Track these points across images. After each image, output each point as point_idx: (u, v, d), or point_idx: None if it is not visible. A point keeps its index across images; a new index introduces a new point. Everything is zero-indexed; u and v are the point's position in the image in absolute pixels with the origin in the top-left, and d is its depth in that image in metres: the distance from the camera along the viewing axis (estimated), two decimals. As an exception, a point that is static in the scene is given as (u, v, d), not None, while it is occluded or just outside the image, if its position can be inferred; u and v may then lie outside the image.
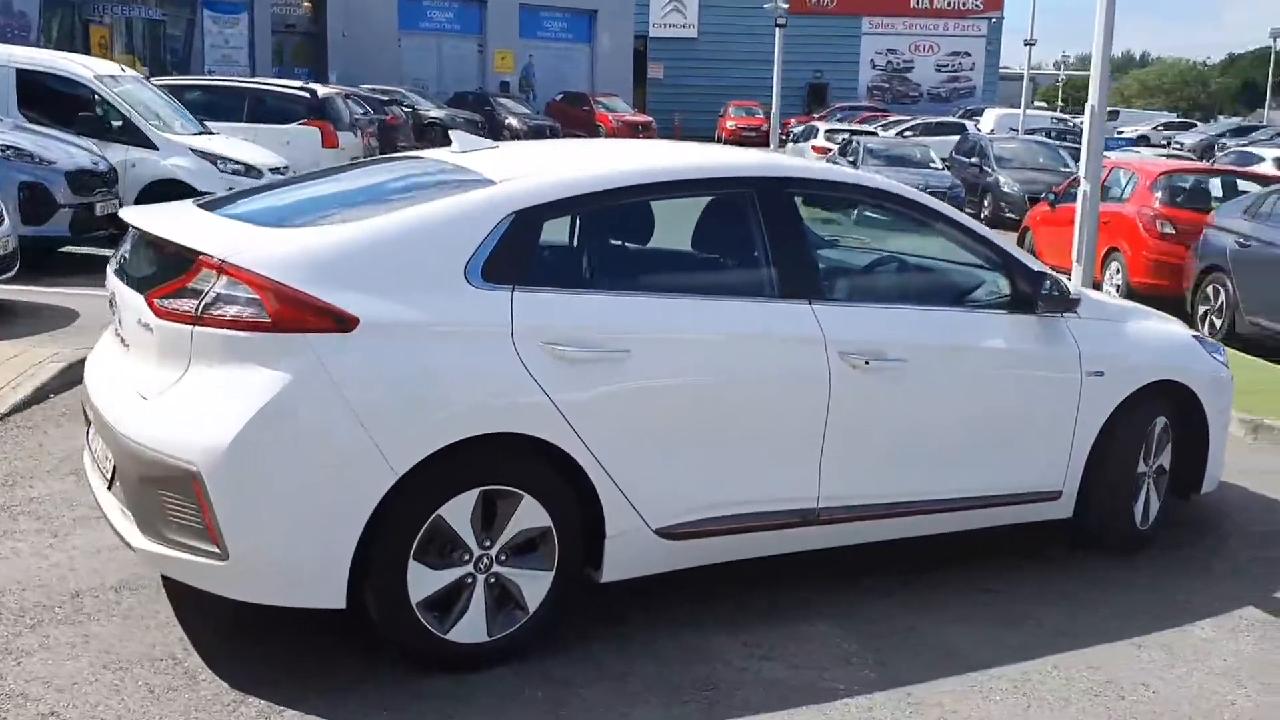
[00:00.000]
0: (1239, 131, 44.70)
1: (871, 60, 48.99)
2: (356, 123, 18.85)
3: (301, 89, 17.85)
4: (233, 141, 13.52)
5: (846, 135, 26.23)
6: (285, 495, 3.42)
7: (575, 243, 3.93)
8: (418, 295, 3.56)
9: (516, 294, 3.68)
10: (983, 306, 4.68)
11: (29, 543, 4.50)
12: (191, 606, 3.96)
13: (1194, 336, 5.49)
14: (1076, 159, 25.80)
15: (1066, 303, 4.67)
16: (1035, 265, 4.77)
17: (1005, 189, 21.71)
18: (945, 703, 3.72)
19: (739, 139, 40.52)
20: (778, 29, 33.60)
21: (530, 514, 3.71)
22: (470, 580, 3.67)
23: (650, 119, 34.51)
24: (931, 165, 22.08)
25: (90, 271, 8.34)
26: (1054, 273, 4.80)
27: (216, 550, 3.40)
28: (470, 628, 3.68)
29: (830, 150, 25.52)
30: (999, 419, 4.64)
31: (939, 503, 4.53)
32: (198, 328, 3.45)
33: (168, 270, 3.64)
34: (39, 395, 6.30)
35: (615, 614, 4.12)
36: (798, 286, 4.20)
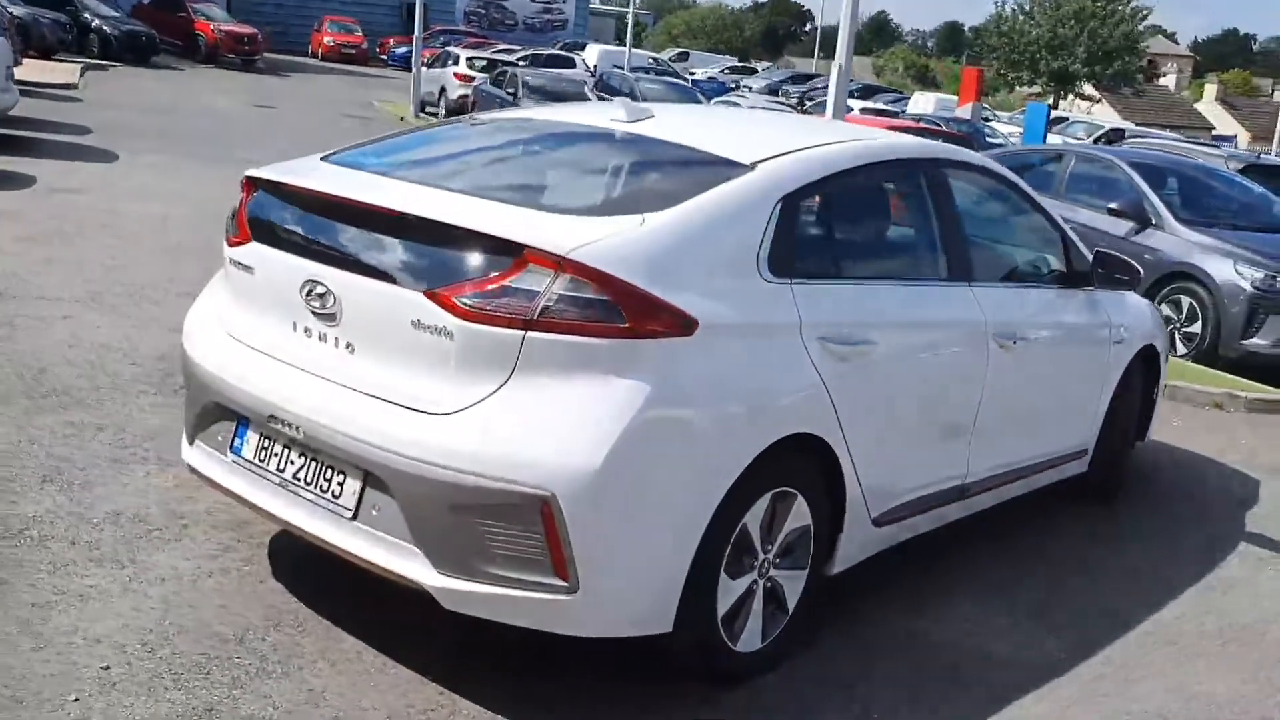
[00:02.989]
0: (797, 79, 48.98)
1: (469, -17, 48.27)
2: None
3: None
4: None
5: (498, 65, 25.81)
6: (639, 517, 3.07)
7: (820, 229, 3.76)
8: (727, 292, 3.28)
9: (795, 287, 3.50)
10: (1052, 282, 5.00)
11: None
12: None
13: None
14: (714, 97, 27.17)
15: (1117, 279, 5.11)
16: (1081, 243, 5.16)
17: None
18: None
19: (339, 55, 38.78)
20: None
21: (799, 514, 3.58)
22: (754, 587, 3.50)
23: (256, 31, 31.99)
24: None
25: None
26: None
27: (563, 584, 2.99)
28: (750, 636, 3.52)
29: (475, 79, 25.14)
30: (1067, 386, 5.04)
31: (1027, 468, 4.85)
32: (531, 333, 2.98)
33: (458, 263, 3.09)
34: None
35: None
36: (961, 269, 4.31)
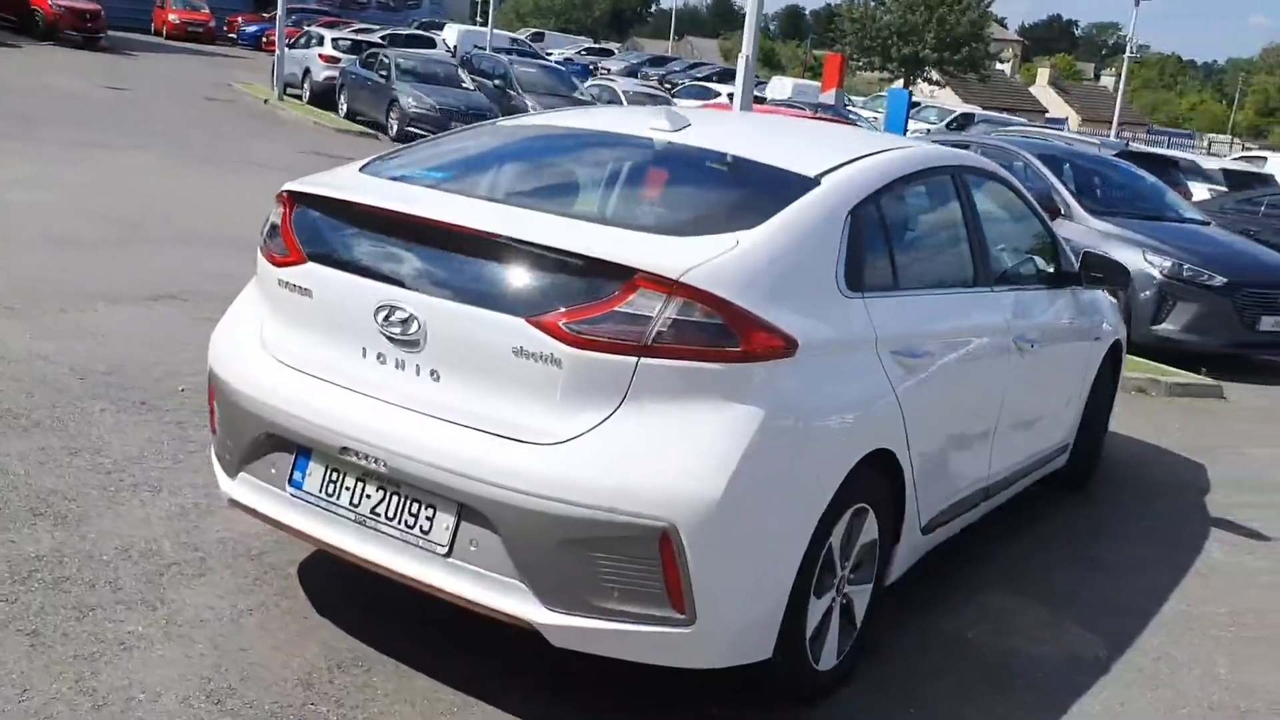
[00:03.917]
0: (655, 61, 49.10)
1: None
2: None
3: None
4: None
5: (365, 46, 25.06)
6: (753, 544, 2.99)
7: (881, 240, 3.71)
8: (815, 309, 3.22)
9: (866, 301, 3.47)
10: (1048, 283, 5.10)
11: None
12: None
13: None
14: (584, 81, 27.05)
15: (1104, 279, 5.25)
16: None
17: (533, 112, 22.28)
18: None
19: (185, 33, 37.18)
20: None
21: (869, 528, 3.57)
22: (832, 605, 3.47)
23: (99, 7, 30.31)
24: (463, 85, 22.01)
25: None
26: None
27: (680, 616, 2.90)
28: (828, 654, 3.49)
29: (340, 59, 24.42)
30: (1062, 384, 5.18)
31: (1030, 466, 4.96)
32: (645, 359, 2.88)
33: (561, 287, 2.95)
34: None
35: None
36: (986, 274, 4.36)
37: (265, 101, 22.92)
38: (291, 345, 3.33)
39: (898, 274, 3.74)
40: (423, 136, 19.92)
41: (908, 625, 4.09)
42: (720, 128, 4.52)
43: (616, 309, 2.88)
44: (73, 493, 4.23)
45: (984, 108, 43.31)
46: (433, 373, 3.06)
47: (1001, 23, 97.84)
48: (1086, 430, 5.57)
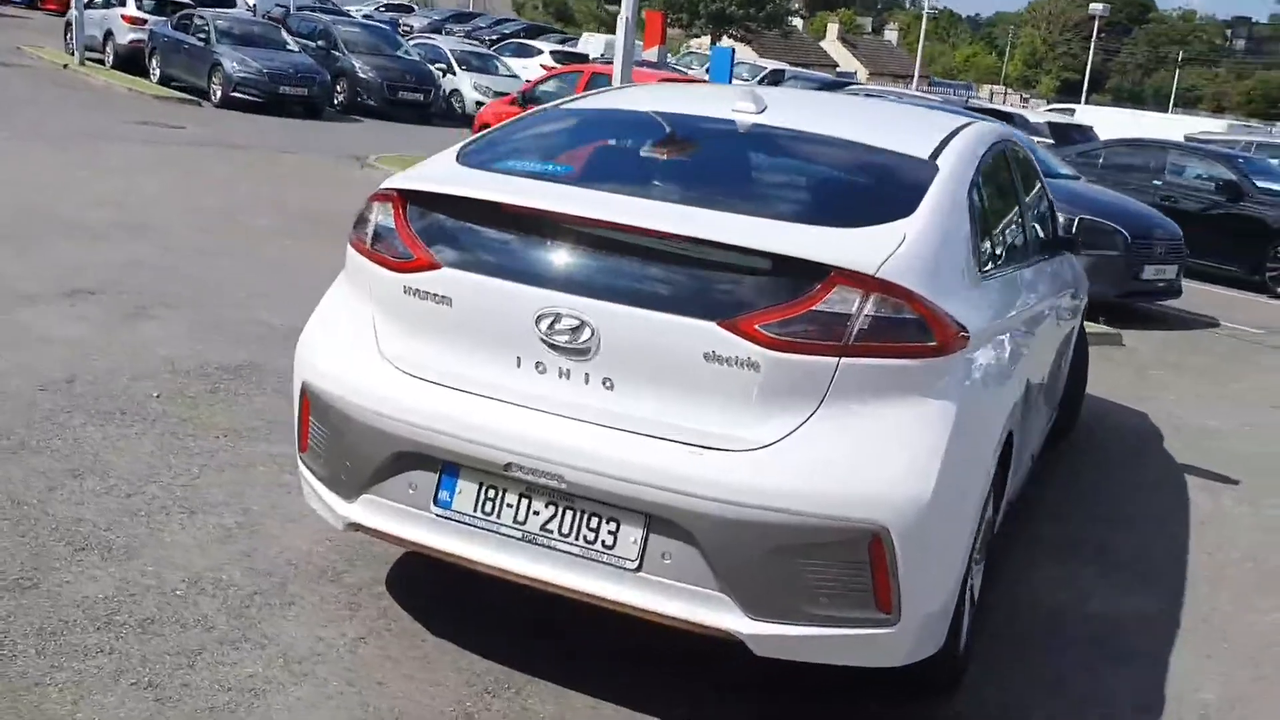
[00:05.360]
0: (460, 17, 48.00)
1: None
2: None
3: None
4: None
5: (176, 7, 23.43)
6: (948, 541, 2.98)
7: (983, 220, 3.67)
8: (967, 296, 3.19)
9: (988, 282, 3.48)
10: (1053, 249, 5.21)
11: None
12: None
13: None
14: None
15: (1094, 244, 5.43)
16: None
17: (362, 75, 21.52)
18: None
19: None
20: None
21: (989, 507, 3.60)
22: (970, 587, 3.49)
23: None
24: (289, 49, 20.98)
25: None
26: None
27: (885, 616, 2.85)
28: (965, 637, 3.51)
29: (146, 21, 22.85)
30: (1065, 348, 5.33)
31: (1046, 427, 5.11)
32: (846, 359, 2.80)
33: (752, 288, 2.82)
34: None
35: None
36: (1035, 247, 4.44)
37: (65, 67, 21.26)
38: (424, 357, 3.09)
39: (995, 254, 3.76)
40: (249, 102, 19.08)
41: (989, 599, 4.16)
42: (797, 108, 4.40)
43: (815, 308, 2.79)
44: (103, 522, 3.85)
45: (783, 63, 44.20)
46: (605, 381, 2.90)
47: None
48: (1072, 387, 5.78)
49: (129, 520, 3.89)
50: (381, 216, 3.21)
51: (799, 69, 38.95)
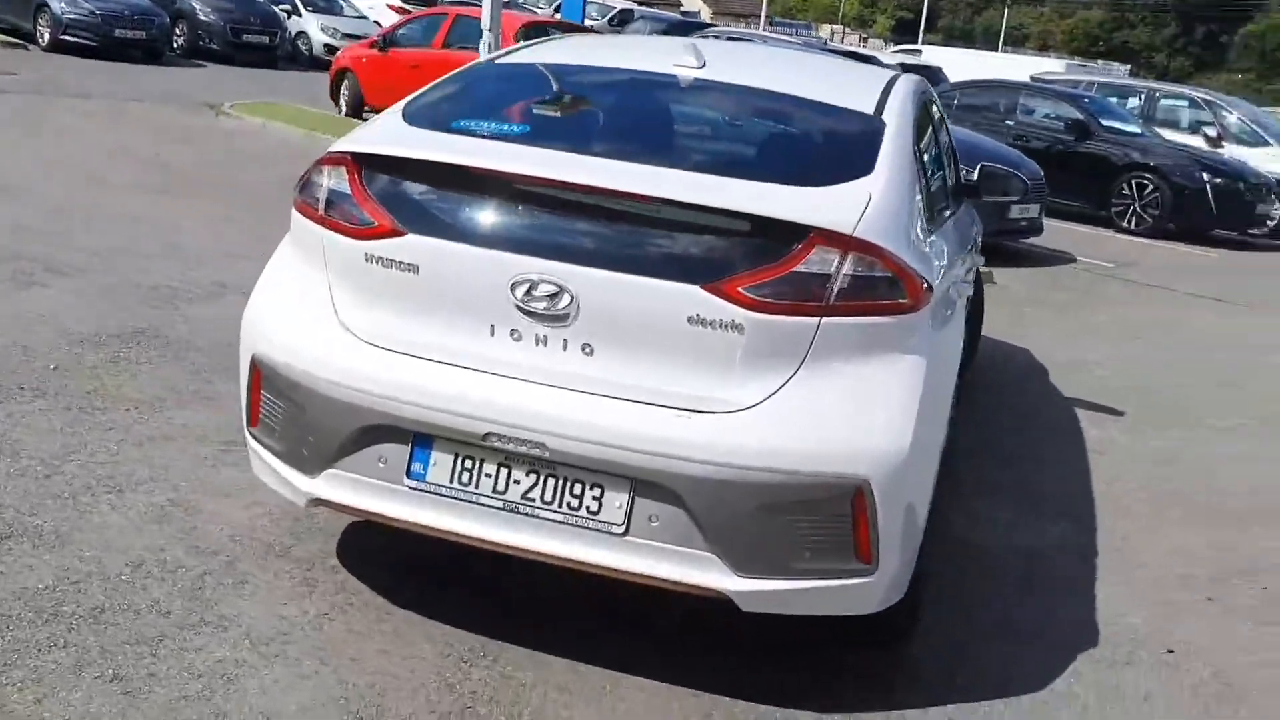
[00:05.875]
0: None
1: None
2: None
3: None
4: None
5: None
6: (920, 489, 3.07)
7: (923, 175, 3.72)
8: (922, 252, 3.24)
9: (934, 237, 3.57)
10: (960, 197, 5.36)
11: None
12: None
13: None
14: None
15: (1000, 191, 5.58)
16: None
17: (203, 17, 20.55)
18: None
19: None
20: None
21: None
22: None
23: None
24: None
25: None
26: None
27: (865, 566, 2.92)
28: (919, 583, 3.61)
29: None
30: (972, 286, 5.49)
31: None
32: (827, 318, 2.83)
33: (733, 250, 2.83)
34: None
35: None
36: (957, 194, 4.55)
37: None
38: (389, 327, 3.00)
39: (935, 207, 3.85)
40: (81, 45, 17.98)
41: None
42: (730, 63, 4.37)
43: (796, 269, 2.82)
44: (25, 507, 3.65)
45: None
46: (585, 347, 2.88)
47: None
48: (972, 325, 5.98)
49: (53, 503, 3.70)
50: (334, 181, 3.09)
51: (646, 9, 38.80)
